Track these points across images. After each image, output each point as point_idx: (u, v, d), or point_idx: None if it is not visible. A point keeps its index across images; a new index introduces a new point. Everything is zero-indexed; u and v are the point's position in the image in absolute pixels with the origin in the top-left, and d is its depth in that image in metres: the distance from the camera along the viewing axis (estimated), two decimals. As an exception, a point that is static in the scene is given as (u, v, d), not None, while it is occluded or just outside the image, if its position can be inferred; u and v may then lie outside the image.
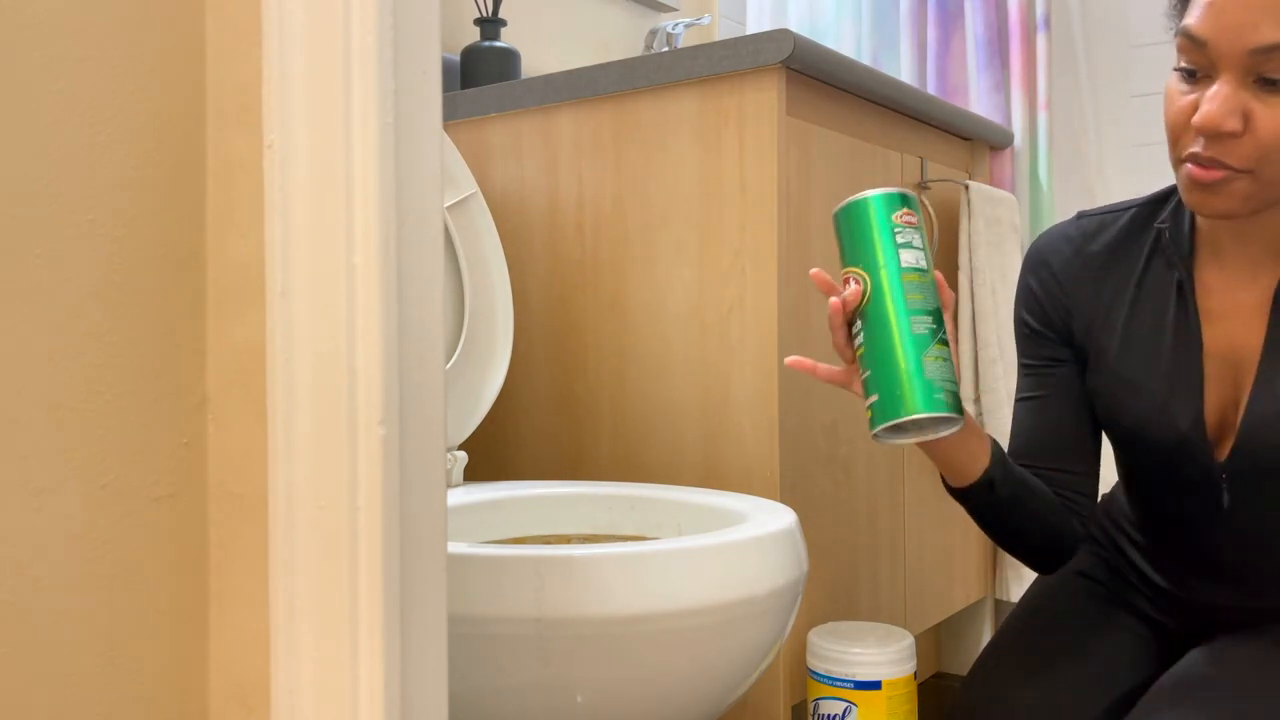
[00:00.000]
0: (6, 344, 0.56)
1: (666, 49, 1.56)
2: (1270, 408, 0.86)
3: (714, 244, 1.30)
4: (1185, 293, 0.91)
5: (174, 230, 0.63)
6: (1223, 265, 0.90)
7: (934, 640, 1.86)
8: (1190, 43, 0.80)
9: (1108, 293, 0.95)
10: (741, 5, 2.31)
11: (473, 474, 1.54)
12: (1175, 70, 0.82)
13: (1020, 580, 1.78)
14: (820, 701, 1.06)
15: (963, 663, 1.85)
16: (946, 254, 1.67)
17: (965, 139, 1.75)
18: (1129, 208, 0.97)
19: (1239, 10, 0.76)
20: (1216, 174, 0.80)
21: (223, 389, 0.65)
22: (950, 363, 0.82)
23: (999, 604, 1.85)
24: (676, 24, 1.87)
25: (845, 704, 1.01)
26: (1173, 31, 0.84)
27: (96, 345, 0.60)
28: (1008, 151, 1.82)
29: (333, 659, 0.60)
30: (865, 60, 2.03)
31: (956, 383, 0.82)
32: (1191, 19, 0.80)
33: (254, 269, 0.64)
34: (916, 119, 1.58)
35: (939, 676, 1.84)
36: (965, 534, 1.74)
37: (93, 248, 0.59)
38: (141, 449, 0.62)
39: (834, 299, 0.84)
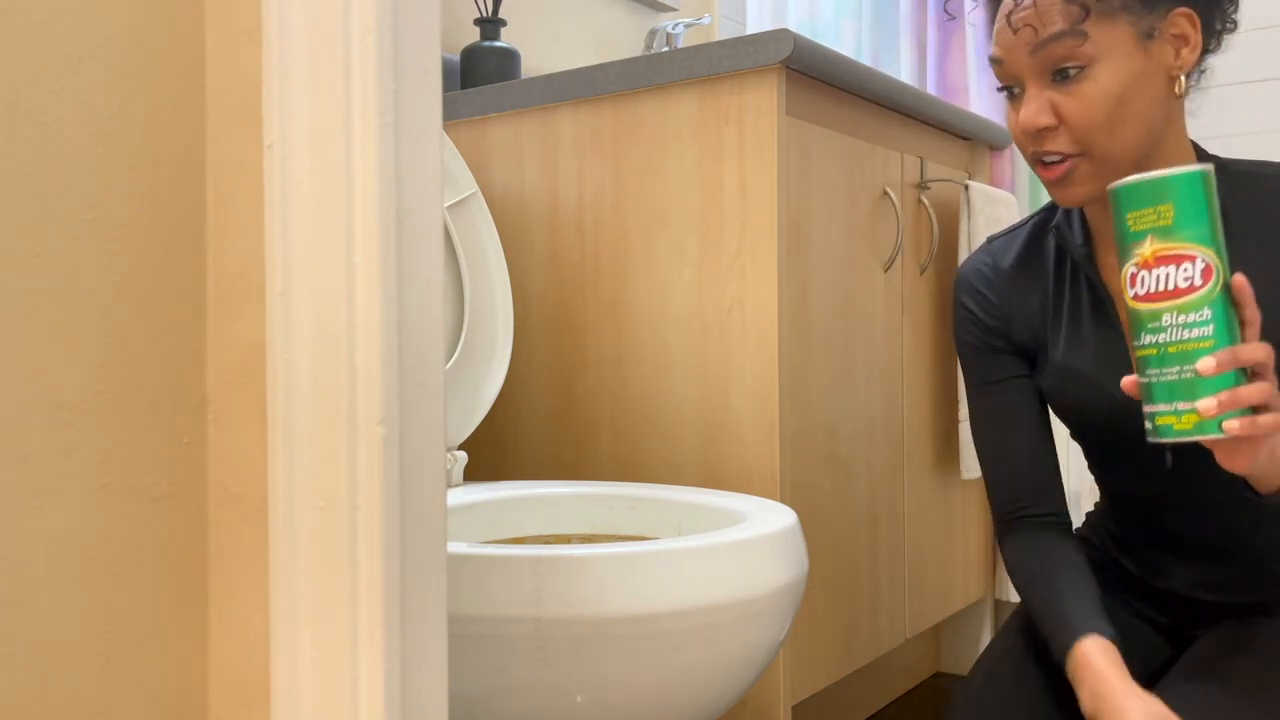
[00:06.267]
0: (6, 344, 0.56)
1: (666, 49, 1.56)
2: None
3: (714, 244, 1.30)
4: (1092, 280, 0.99)
5: (174, 230, 0.63)
6: (1114, 250, 0.99)
7: (934, 640, 1.86)
8: (997, 67, 0.93)
9: (1033, 299, 1.04)
10: (741, 5, 2.31)
11: (473, 474, 1.54)
12: (1001, 92, 0.95)
13: (1020, 580, 1.77)
14: None
15: (963, 663, 1.85)
16: (946, 254, 1.67)
17: (965, 139, 1.75)
18: (1027, 222, 1.08)
19: (1015, 26, 0.90)
20: (1059, 168, 0.91)
21: (223, 389, 0.65)
22: None
23: (999, 604, 1.85)
24: (676, 24, 1.87)
25: None
26: None
27: (96, 345, 0.60)
28: (1008, 151, 1.82)
29: (333, 659, 0.60)
30: (865, 60, 2.03)
31: None
32: (992, 49, 0.94)
33: (254, 269, 0.64)
34: (916, 119, 1.58)
35: (939, 676, 1.84)
36: (965, 534, 1.74)
37: (93, 248, 0.59)
38: (141, 449, 0.62)
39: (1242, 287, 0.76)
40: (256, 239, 0.63)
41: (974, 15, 1.85)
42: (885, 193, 1.49)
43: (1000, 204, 1.68)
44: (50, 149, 0.58)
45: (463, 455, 1.27)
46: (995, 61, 0.93)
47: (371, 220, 0.58)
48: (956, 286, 1.10)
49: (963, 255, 1.62)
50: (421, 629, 0.61)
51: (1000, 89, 0.95)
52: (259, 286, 0.63)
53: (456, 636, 0.84)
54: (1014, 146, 1.81)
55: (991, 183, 1.82)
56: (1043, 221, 1.06)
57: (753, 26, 2.22)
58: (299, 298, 0.61)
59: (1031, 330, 1.04)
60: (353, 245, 0.59)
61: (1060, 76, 0.89)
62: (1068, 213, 1.04)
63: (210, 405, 0.65)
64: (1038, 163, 0.93)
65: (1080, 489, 1.84)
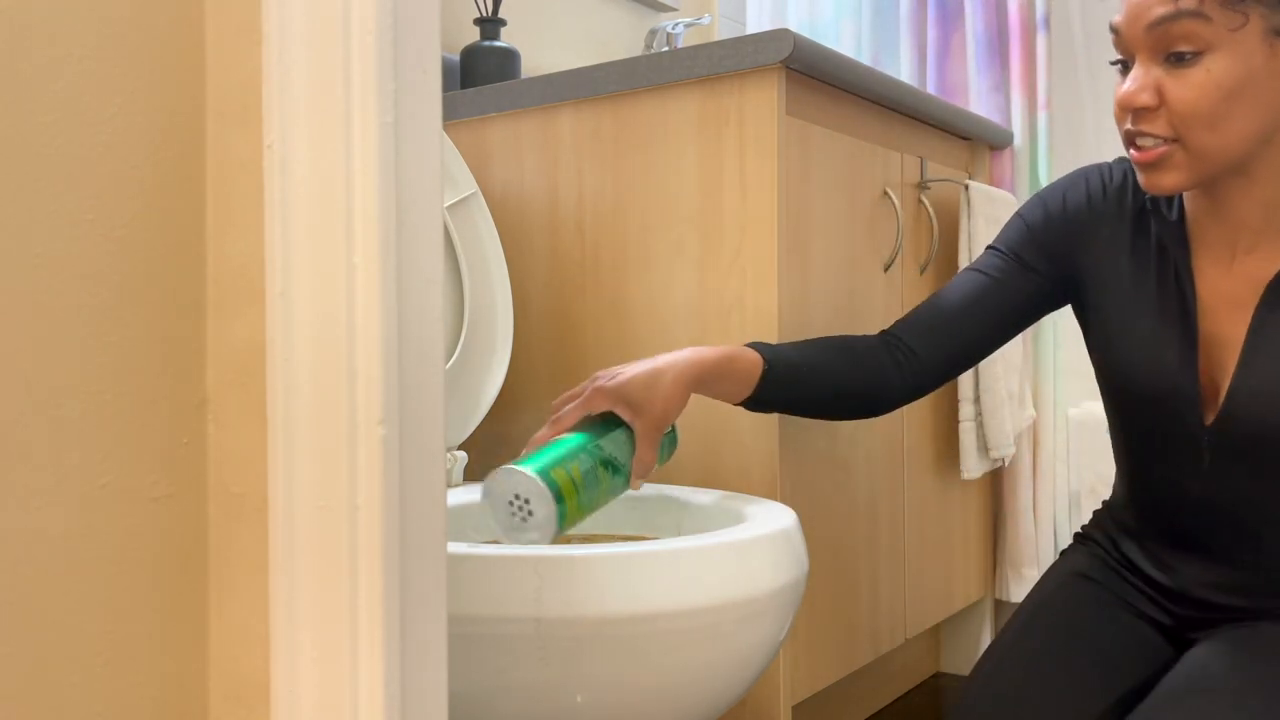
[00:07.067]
0: (6, 344, 0.56)
1: (666, 49, 1.56)
2: (1252, 385, 0.92)
3: (714, 243, 1.30)
4: (1180, 272, 0.97)
5: (174, 230, 0.63)
6: (1209, 248, 0.97)
7: (934, 640, 1.86)
8: (1115, 36, 0.90)
9: (1125, 252, 1.01)
10: (741, 5, 2.31)
11: (473, 474, 1.54)
12: (1114, 65, 0.92)
13: (1020, 580, 1.78)
14: None
15: (963, 663, 1.85)
16: (946, 254, 1.67)
17: (965, 139, 1.75)
18: None
19: None
20: (1152, 153, 0.88)
21: (223, 389, 0.65)
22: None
23: (999, 604, 1.85)
24: (676, 24, 1.87)
25: None
26: None
27: (96, 345, 0.60)
28: (1008, 151, 1.82)
29: (333, 659, 0.60)
30: (865, 60, 2.03)
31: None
32: (1115, 17, 0.91)
33: (254, 269, 0.64)
34: (916, 119, 1.58)
35: (939, 676, 1.84)
36: (965, 534, 1.74)
37: (93, 248, 0.59)
38: (141, 449, 0.62)
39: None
40: (256, 239, 0.63)
41: (973, 16, 1.85)
42: (885, 193, 1.49)
43: (1000, 204, 1.68)
44: (50, 149, 0.58)
45: (463, 455, 1.27)
46: (1115, 30, 0.89)
47: (371, 220, 0.58)
48: (1078, 176, 1.06)
49: (963, 255, 1.62)
50: (421, 629, 0.61)
51: (1113, 62, 0.92)
52: (259, 286, 0.63)
53: (456, 636, 0.84)
54: (1014, 146, 1.82)
55: (991, 183, 1.82)
56: None
57: (753, 26, 2.22)
58: (299, 298, 0.61)
59: (1099, 268, 1.02)
60: (353, 245, 0.59)
61: (1174, 59, 0.86)
62: (1170, 197, 1.00)
63: (210, 405, 0.65)
64: (1130, 144, 0.90)
65: (1080, 489, 1.84)
